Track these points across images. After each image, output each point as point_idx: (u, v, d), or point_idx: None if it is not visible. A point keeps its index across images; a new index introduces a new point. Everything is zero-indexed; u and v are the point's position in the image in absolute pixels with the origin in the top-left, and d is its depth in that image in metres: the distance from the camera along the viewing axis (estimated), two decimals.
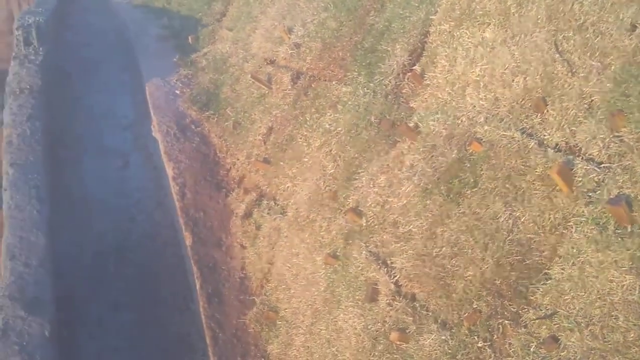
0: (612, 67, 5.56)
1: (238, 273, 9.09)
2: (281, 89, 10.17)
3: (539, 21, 6.44)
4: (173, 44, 15.16)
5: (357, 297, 6.80)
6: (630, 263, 4.66)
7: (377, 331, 6.35)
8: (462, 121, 6.65)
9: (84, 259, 10.00)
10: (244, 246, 9.23)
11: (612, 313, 4.63)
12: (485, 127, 6.28)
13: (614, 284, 4.69)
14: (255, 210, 9.23)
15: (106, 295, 9.47)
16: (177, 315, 9.22)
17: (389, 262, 6.65)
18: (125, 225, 10.77)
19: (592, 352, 4.61)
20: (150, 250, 10.27)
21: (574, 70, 5.83)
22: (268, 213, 8.92)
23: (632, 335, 4.47)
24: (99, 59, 15.52)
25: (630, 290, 4.59)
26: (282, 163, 9.17)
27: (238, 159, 10.38)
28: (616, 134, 5.25)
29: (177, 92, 13.14)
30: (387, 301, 6.37)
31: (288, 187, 8.88)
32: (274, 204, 9.01)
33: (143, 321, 9.23)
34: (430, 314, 5.91)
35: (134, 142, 12.72)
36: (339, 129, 8.32)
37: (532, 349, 4.94)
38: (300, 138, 9.01)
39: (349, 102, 8.44)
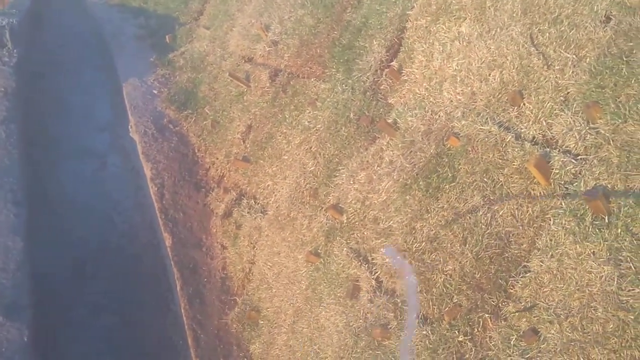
0: (587, 59, 5.59)
1: (219, 273, 9.01)
2: (259, 86, 10.10)
3: (514, 15, 6.46)
4: (150, 44, 15.00)
5: (338, 294, 6.77)
6: (608, 254, 4.68)
7: (358, 328, 6.33)
8: (439, 116, 6.65)
9: (63, 262, 9.83)
10: (224, 246, 9.15)
11: (591, 304, 4.65)
12: (463, 122, 6.28)
13: (592, 275, 4.72)
14: (235, 209, 9.15)
15: (86, 298, 9.33)
16: (158, 317, 9.11)
17: (370, 258, 6.64)
18: (104, 227, 10.62)
19: (572, 343, 4.63)
20: (129, 252, 10.13)
21: (549, 63, 5.85)
22: (248, 212, 8.85)
23: (611, 325, 4.50)
24: (75, 60, 15.30)
25: (609, 281, 4.61)
26: (261, 161, 9.11)
27: (217, 158, 10.29)
28: (592, 125, 5.29)
29: (155, 91, 13.01)
30: (369, 297, 6.36)
31: (268, 185, 8.82)
32: (254, 202, 8.94)
33: (124, 324, 9.10)
34: (411, 309, 5.89)
35: (111, 143, 12.56)
36: (319, 126, 8.28)
37: (512, 342, 4.94)
38: (280, 136, 8.96)
39: (328, 99, 8.40)
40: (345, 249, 6.94)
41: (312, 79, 9.04)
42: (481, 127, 6.05)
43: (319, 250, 7.31)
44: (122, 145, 12.31)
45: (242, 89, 10.55)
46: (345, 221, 7.16)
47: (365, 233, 6.85)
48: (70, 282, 9.56)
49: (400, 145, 6.93)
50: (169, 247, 9.54)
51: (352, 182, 7.29)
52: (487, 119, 6.10)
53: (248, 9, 12.10)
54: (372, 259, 6.59)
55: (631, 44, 5.29)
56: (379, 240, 6.61)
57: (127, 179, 11.51)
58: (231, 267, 8.90)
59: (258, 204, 8.88)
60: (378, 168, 7.06)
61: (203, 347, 8.28)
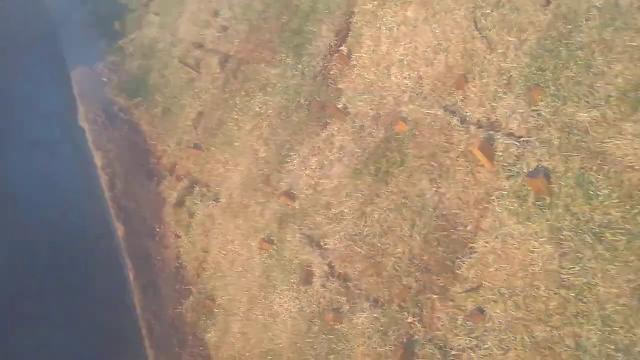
0: (529, 43, 5.67)
1: (173, 263, 8.91)
2: (210, 72, 9.96)
3: None
4: (99, 31, 14.57)
5: (292, 280, 6.79)
6: (550, 233, 4.81)
7: (312, 313, 6.36)
8: (387, 101, 6.68)
9: (13, 255, 9.55)
10: (178, 235, 9.05)
11: (534, 283, 4.78)
12: (410, 106, 6.33)
13: (535, 254, 4.84)
14: (188, 197, 9.04)
15: (38, 291, 9.10)
16: (111, 309, 8.96)
17: (322, 243, 6.66)
18: (54, 218, 10.33)
19: (516, 321, 4.75)
20: (81, 244, 9.89)
21: (492, 47, 5.93)
22: (201, 200, 8.76)
23: (553, 303, 4.63)
24: (21, 48, 14.74)
25: (550, 259, 4.74)
26: (213, 148, 9.00)
27: (169, 146, 10.13)
28: (534, 107, 5.38)
29: (104, 79, 12.71)
30: (321, 283, 6.39)
31: (220, 172, 8.73)
32: (206, 190, 8.84)
33: (77, 317, 8.93)
34: (363, 292, 5.96)
35: (60, 133, 12.17)
36: (269, 111, 8.23)
37: (459, 322, 5.05)
38: (231, 122, 8.87)
39: (278, 84, 8.35)
40: (298, 235, 6.94)
41: (263, 64, 8.95)
42: (427, 111, 6.11)
43: (272, 237, 7.30)
44: (71, 135, 11.96)
45: (193, 76, 10.38)
46: (297, 207, 7.16)
47: (318, 219, 6.86)
48: (21, 275, 9.31)
49: (350, 130, 6.95)
50: (121, 237, 9.40)
51: (303, 168, 7.28)
52: (433, 103, 6.16)
53: None
54: (325, 244, 6.62)
55: (570, 26, 5.39)
56: (331, 226, 6.64)
57: (77, 169, 11.20)
58: (185, 256, 8.81)
59: (211, 191, 8.78)
60: (329, 153, 7.06)
61: (158, 337, 8.21)
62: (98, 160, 10.57)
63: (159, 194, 9.81)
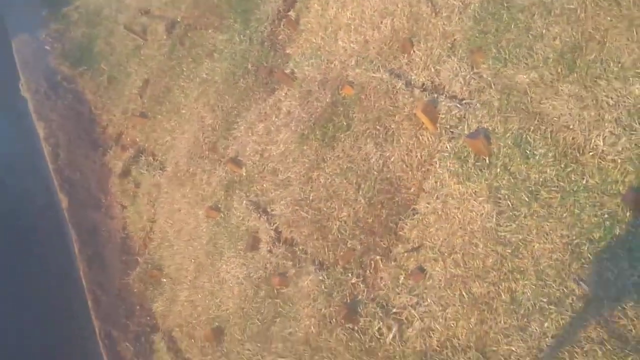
0: (472, 6, 5.71)
1: (119, 234, 8.73)
2: (156, 39, 9.70)
3: None
4: None
5: (239, 247, 6.74)
6: (488, 192, 4.90)
7: (259, 278, 6.34)
8: (335, 65, 6.65)
9: None
10: (124, 205, 8.87)
11: (472, 241, 4.87)
12: (357, 70, 6.31)
13: (474, 213, 4.93)
14: (134, 167, 8.85)
15: None
16: (56, 282, 8.75)
17: (269, 209, 6.62)
18: None
19: (455, 279, 4.84)
20: (24, 217, 9.61)
21: (437, 10, 5.95)
22: (147, 170, 8.58)
23: (490, 260, 4.73)
24: None
25: (488, 218, 4.83)
26: (159, 116, 8.81)
27: (114, 115, 9.86)
28: (476, 70, 5.45)
29: (47, 47, 12.21)
30: (268, 248, 6.36)
31: (167, 141, 8.56)
32: (152, 159, 8.67)
33: (20, 292, 8.69)
34: (309, 256, 5.97)
35: (0, 103, 11.73)
36: (216, 78, 8.08)
37: (401, 281, 5.12)
38: (177, 89, 8.68)
39: (226, 50, 8.20)
40: (244, 201, 6.88)
41: (210, 30, 8.76)
42: (373, 75, 6.10)
43: (218, 205, 7.22)
44: (12, 105, 11.52)
45: (139, 43, 10.09)
46: (244, 174, 7.09)
47: (264, 185, 6.82)
48: None
49: (297, 95, 6.89)
50: (66, 209, 9.13)
51: (250, 135, 7.20)
52: (379, 66, 6.16)
53: None
54: (272, 210, 6.58)
55: None
56: (278, 192, 6.60)
57: (18, 139, 10.82)
58: (131, 226, 8.65)
59: (157, 160, 8.61)
60: (276, 119, 7.00)
61: (104, 308, 8.06)
62: (41, 131, 10.20)
63: (104, 164, 9.57)
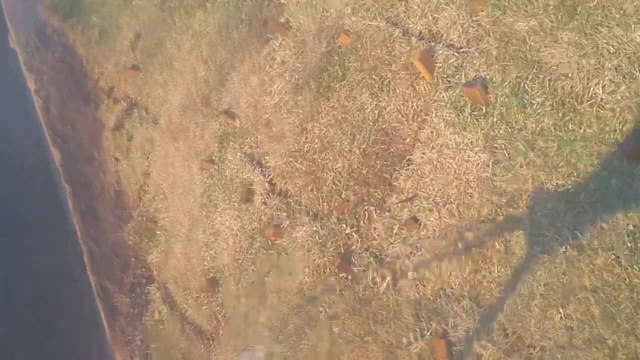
0: None
1: (113, 188, 8.70)
2: None
3: None
4: None
5: (233, 199, 6.71)
6: (484, 142, 4.84)
7: (253, 230, 6.34)
8: (330, 13, 6.47)
9: None
10: (117, 159, 8.80)
11: (468, 191, 4.84)
12: (353, 18, 6.15)
13: (470, 163, 4.88)
14: (127, 121, 8.74)
15: None
16: (50, 237, 8.74)
17: (263, 161, 6.58)
18: None
19: (449, 228, 4.83)
20: (15, 172, 9.53)
21: None
22: (140, 123, 8.48)
23: (485, 210, 4.71)
24: None
25: (484, 167, 4.79)
26: (151, 69, 8.64)
27: (106, 69, 9.67)
28: (474, 18, 5.31)
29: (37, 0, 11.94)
30: (262, 200, 6.35)
31: (159, 94, 8.43)
32: (145, 113, 8.55)
33: (15, 248, 8.68)
34: (303, 207, 5.96)
35: None
36: (209, 29, 7.89)
37: (394, 231, 5.11)
38: (170, 42, 8.49)
39: (219, 1, 7.98)
40: (238, 154, 6.82)
41: None
42: (370, 23, 5.95)
43: (212, 158, 7.16)
44: (1, 57, 11.32)
45: None
46: (238, 126, 7.01)
47: (259, 137, 6.75)
48: None
49: (292, 45, 6.74)
50: (59, 163, 9.08)
51: (244, 86, 7.08)
52: (375, 14, 5.99)
53: None
54: (266, 162, 6.53)
55: None
56: (272, 144, 6.54)
57: (8, 93, 10.65)
58: (125, 180, 8.60)
59: (150, 114, 8.49)
60: (270, 70, 6.87)
61: (98, 261, 8.10)
62: (31, 84, 10.05)
63: (96, 118, 9.44)
